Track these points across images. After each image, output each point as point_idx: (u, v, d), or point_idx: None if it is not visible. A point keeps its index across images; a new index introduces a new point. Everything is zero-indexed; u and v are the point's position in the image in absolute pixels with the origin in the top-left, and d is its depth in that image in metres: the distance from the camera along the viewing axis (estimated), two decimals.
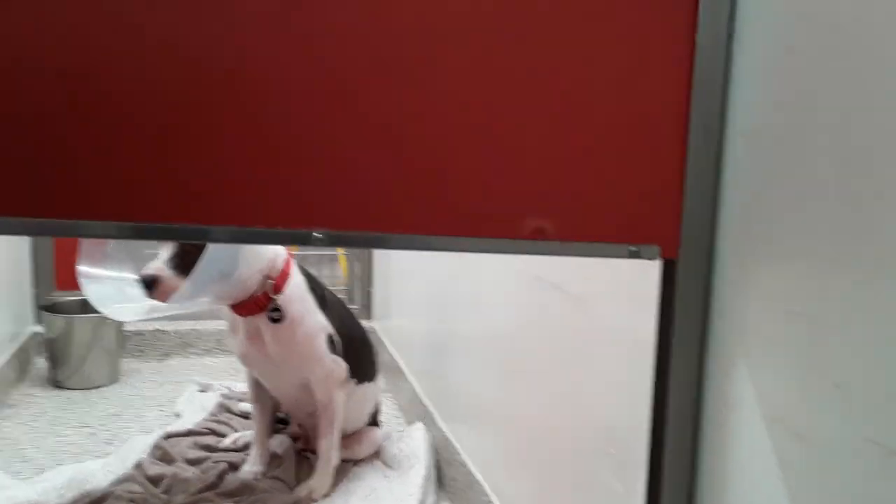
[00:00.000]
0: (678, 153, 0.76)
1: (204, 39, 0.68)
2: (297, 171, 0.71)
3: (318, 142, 0.71)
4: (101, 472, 1.82)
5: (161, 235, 0.71)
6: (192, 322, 2.91)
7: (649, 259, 0.77)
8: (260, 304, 1.68)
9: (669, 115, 0.75)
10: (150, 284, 1.56)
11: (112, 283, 1.68)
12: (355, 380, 1.89)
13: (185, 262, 1.57)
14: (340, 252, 3.76)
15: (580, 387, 1.20)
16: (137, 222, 0.69)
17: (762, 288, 0.74)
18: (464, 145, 0.73)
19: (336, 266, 3.78)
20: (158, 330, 2.86)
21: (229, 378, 2.65)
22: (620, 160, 0.75)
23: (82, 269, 1.61)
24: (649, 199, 0.77)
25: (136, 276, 1.62)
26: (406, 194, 0.74)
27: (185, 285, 1.54)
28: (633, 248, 0.76)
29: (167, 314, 1.61)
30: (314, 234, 0.73)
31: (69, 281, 2.79)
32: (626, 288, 1.05)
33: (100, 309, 1.64)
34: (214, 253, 1.51)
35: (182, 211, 0.70)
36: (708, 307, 0.81)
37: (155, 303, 1.57)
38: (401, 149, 0.73)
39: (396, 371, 2.54)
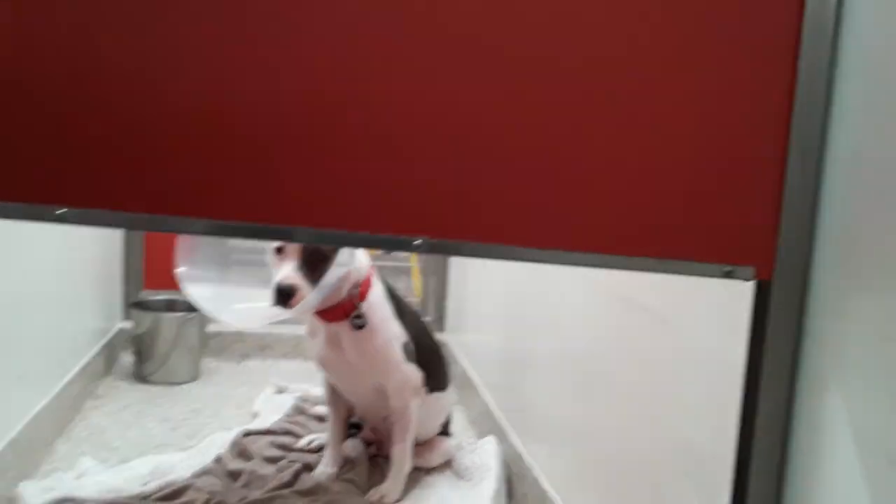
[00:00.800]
0: (777, 175, 0.77)
1: (307, 49, 0.72)
2: (401, 178, 0.75)
3: (423, 151, 0.75)
4: (183, 465, 1.89)
5: (256, 235, 0.75)
6: (271, 326, 2.99)
7: (744, 280, 0.78)
8: (345, 310, 1.73)
9: (769, 136, 0.76)
10: (290, 294, 1.60)
11: (211, 288, 1.74)
12: (427, 388, 1.92)
13: (311, 272, 1.62)
14: (414, 265, 3.81)
15: (660, 408, 1.20)
16: (226, 221, 0.73)
17: (857, 313, 0.74)
18: (565, 161, 0.75)
19: (409, 279, 3.84)
20: (238, 332, 2.95)
21: (305, 382, 2.71)
22: (718, 180, 0.76)
23: (182, 272, 1.67)
24: (746, 220, 0.77)
25: (242, 281, 1.66)
26: (505, 206, 0.76)
27: (312, 294, 1.59)
28: (727, 269, 0.77)
29: (275, 321, 1.65)
30: (416, 240, 0.76)
31: (157, 281, 2.93)
32: (713, 310, 1.05)
33: (213, 314, 1.68)
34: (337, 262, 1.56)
35: (279, 213, 0.74)
36: (801, 330, 0.81)
37: (275, 310, 1.60)
38: (500, 162, 0.76)
39: (468, 384, 2.56)
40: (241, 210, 0.73)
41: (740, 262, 0.77)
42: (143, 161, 0.71)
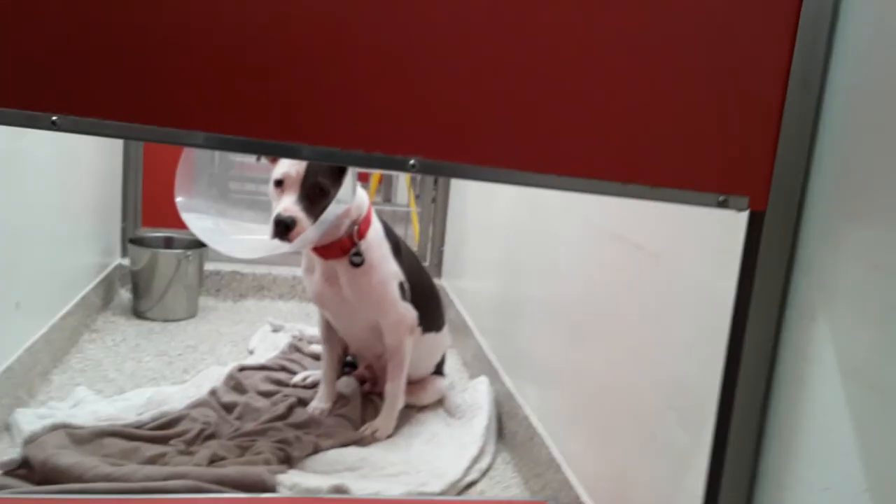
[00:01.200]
0: (775, 104, 0.76)
1: None
2: (398, 98, 0.74)
3: (420, 71, 0.74)
4: (178, 396, 1.92)
5: (248, 149, 0.75)
6: (268, 266, 3.00)
7: (738, 210, 0.78)
8: (344, 247, 1.74)
9: (769, 65, 0.76)
10: (290, 226, 1.59)
11: (210, 219, 1.74)
12: (422, 328, 1.94)
13: (311, 205, 1.62)
14: (413, 211, 3.81)
15: (649, 345, 1.22)
16: (227, 135, 0.73)
17: (848, 243, 0.74)
18: (561, 85, 0.75)
19: (409, 226, 3.84)
20: (236, 272, 2.96)
21: (301, 321, 2.73)
22: (715, 108, 0.76)
23: (181, 201, 1.67)
24: (741, 150, 0.77)
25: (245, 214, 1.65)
26: (499, 129, 0.76)
27: (312, 228, 1.59)
28: (721, 198, 0.77)
29: (273, 254, 1.65)
30: (410, 160, 0.76)
31: (155, 218, 2.92)
32: (705, 245, 1.05)
33: (210, 244, 1.68)
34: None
35: (275, 128, 0.74)
36: (792, 261, 0.81)
37: (274, 242, 1.60)
38: (497, 85, 0.75)
39: (463, 328, 2.58)
40: (237, 125, 0.73)
41: (735, 192, 0.77)
42: (143, 72, 0.71)
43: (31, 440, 1.58)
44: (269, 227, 1.61)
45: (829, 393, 0.77)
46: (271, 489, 1.52)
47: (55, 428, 1.63)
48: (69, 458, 1.52)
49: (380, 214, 1.88)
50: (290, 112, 0.72)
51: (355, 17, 0.72)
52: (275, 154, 0.73)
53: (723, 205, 0.77)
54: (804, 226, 0.80)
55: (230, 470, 1.53)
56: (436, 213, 3.14)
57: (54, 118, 0.68)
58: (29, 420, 1.70)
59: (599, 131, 0.76)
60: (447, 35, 0.73)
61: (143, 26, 0.70)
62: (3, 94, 0.68)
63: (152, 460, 1.59)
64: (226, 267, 2.96)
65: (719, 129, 0.76)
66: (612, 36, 0.74)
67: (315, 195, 1.62)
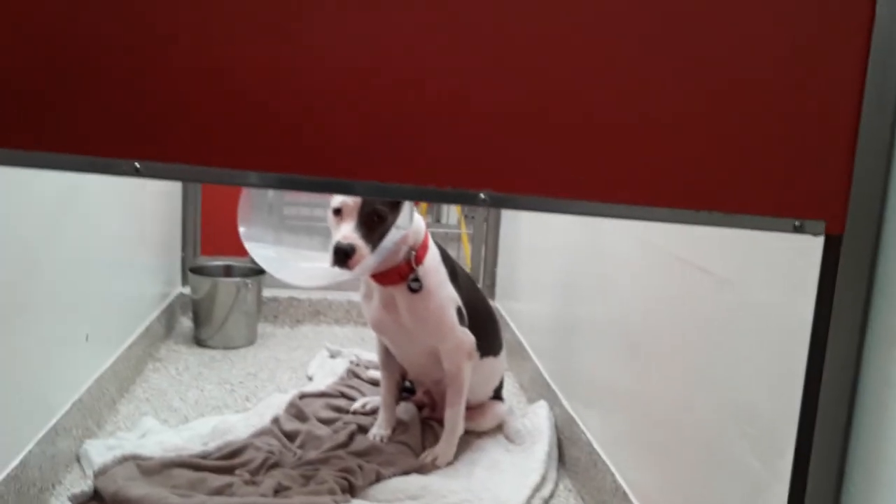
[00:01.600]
0: (850, 127, 0.75)
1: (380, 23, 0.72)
2: (468, 134, 0.75)
3: (488, 108, 0.75)
4: (241, 425, 1.94)
5: (327, 188, 0.76)
6: (324, 292, 3.04)
7: (814, 234, 0.76)
8: (402, 273, 1.75)
9: (843, 86, 0.74)
10: (349, 253, 1.61)
11: (272, 248, 1.77)
12: (480, 353, 1.94)
13: (369, 232, 1.64)
14: (464, 232, 3.82)
15: (717, 370, 1.19)
16: (285, 174, 0.74)
17: None
18: (631, 114, 0.75)
19: (460, 246, 3.85)
20: (293, 298, 3.00)
21: (357, 346, 2.75)
22: (789, 131, 0.75)
23: (244, 231, 1.71)
24: (817, 174, 0.76)
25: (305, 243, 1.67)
26: (569, 161, 0.76)
27: (372, 256, 1.60)
28: (798, 223, 0.76)
29: (334, 282, 1.67)
30: (480, 194, 0.76)
31: (213, 247, 2.99)
32: (775, 269, 1.03)
33: (273, 273, 1.71)
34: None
35: (351, 167, 0.75)
36: (872, 285, 0.79)
37: (334, 270, 1.62)
38: (567, 117, 0.75)
39: (519, 350, 2.57)
40: (306, 165, 0.74)
41: (811, 217, 0.76)
42: (212, 119, 0.73)
43: (101, 472, 1.62)
44: (328, 255, 1.62)
45: None
46: None
47: (124, 459, 1.67)
48: (139, 489, 1.55)
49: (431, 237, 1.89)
50: (362, 151, 0.74)
51: (423, 59, 0.73)
52: (349, 193, 0.74)
53: (799, 230, 0.76)
54: (883, 249, 0.78)
55: (296, 500, 1.55)
56: (488, 233, 3.14)
57: (137, 164, 0.70)
58: (99, 451, 1.74)
59: (671, 159, 0.75)
60: (516, 69, 0.74)
61: (213, 79, 0.72)
62: (86, 143, 0.70)
63: (219, 491, 1.61)
64: (283, 293, 3.00)
65: (794, 153, 0.75)
66: (683, 65, 0.74)
67: (373, 223, 1.63)
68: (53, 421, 1.63)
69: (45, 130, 0.70)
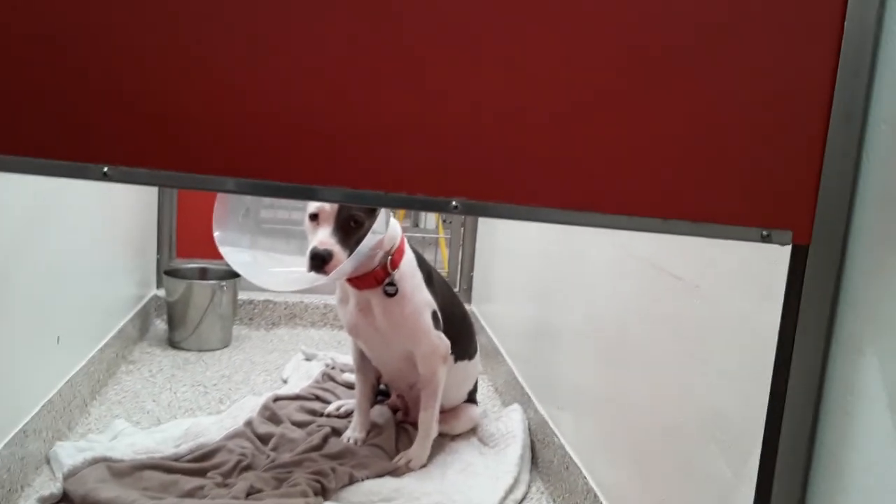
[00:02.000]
0: (818, 138, 0.76)
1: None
2: (439, 141, 0.75)
3: (459, 115, 0.75)
4: (214, 428, 1.93)
5: (292, 194, 0.76)
6: (300, 295, 3.03)
7: (781, 244, 0.78)
8: (378, 278, 1.75)
9: (811, 98, 0.75)
10: (326, 259, 1.61)
11: (247, 252, 1.76)
12: (454, 356, 1.94)
13: (346, 237, 1.63)
14: (441, 237, 3.82)
15: (688, 375, 1.21)
16: (256, 179, 0.74)
17: (895, 277, 0.74)
18: (599, 122, 0.75)
19: (437, 251, 3.85)
20: (268, 301, 2.99)
21: (332, 349, 2.75)
22: (757, 142, 0.76)
23: (218, 236, 1.70)
24: (784, 184, 0.77)
25: (287, 249, 1.67)
26: (539, 169, 0.76)
27: (348, 261, 1.60)
28: (765, 233, 0.77)
29: (310, 286, 1.67)
30: (452, 202, 0.77)
31: (188, 250, 2.96)
32: (744, 276, 1.05)
33: (249, 277, 1.70)
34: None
35: (319, 173, 0.75)
36: (837, 295, 0.80)
37: (311, 275, 1.61)
38: (537, 125, 0.76)
39: (494, 353, 2.58)
40: (278, 171, 0.74)
41: (778, 227, 0.77)
42: (182, 125, 0.72)
43: (71, 474, 1.60)
44: (305, 261, 1.62)
45: (877, 427, 0.76)
46: None
47: (95, 461, 1.65)
48: (109, 492, 1.54)
49: (408, 241, 1.89)
50: (334, 158, 0.74)
51: (394, 63, 0.74)
52: (320, 199, 0.74)
53: (766, 239, 0.77)
54: (849, 259, 0.80)
55: (268, 503, 1.54)
56: (465, 238, 3.15)
57: (105, 169, 0.70)
58: (69, 453, 1.72)
59: (640, 168, 0.76)
60: (486, 78, 0.74)
61: (183, 83, 0.72)
62: (55, 147, 0.70)
63: (191, 493, 1.60)
64: (258, 296, 2.99)
65: (761, 163, 0.76)
66: (650, 73, 0.75)
67: (350, 228, 1.63)
68: (23, 423, 1.61)
69: (12, 134, 0.70)
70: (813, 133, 0.76)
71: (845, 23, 0.75)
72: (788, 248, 0.82)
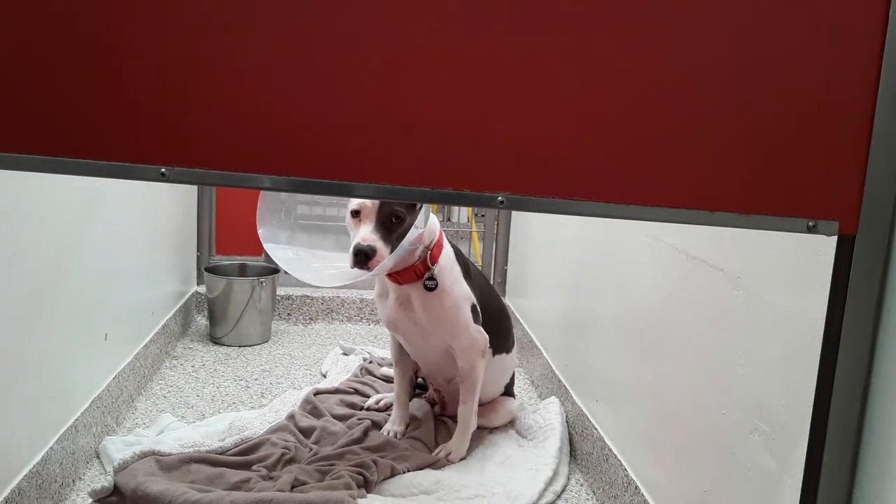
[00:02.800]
0: (863, 127, 0.76)
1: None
2: (485, 137, 0.76)
3: (506, 111, 0.76)
4: (258, 421, 1.97)
5: (342, 192, 0.77)
6: (336, 291, 3.06)
7: (827, 235, 0.78)
8: (418, 272, 1.76)
9: (856, 87, 0.75)
10: (369, 255, 1.63)
11: (290, 249, 1.79)
12: (492, 350, 1.95)
13: (387, 233, 1.66)
14: (474, 231, 3.83)
15: (730, 367, 1.21)
16: (299, 178, 0.76)
17: None
18: (645, 115, 0.76)
19: (470, 245, 3.86)
20: (306, 296, 3.03)
21: (370, 344, 2.78)
22: (802, 132, 0.76)
23: (262, 232, 1.73)
24: (830, 174, 0.77)
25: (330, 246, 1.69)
26: (585, 163, 0.77)
27: (390, 257, 1.63)
28: (811, 223, 0.77)
29: (353, 281, 1.69)
30: (498, 197, 0.78)
31: (227, 247, 3.01)
32: (787, 267, 1.04)
33: (294, 274, 1.73)
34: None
35: (367, 171, 0.77)
36: (885, 284, 0.80)
37: (354, 271, 1.64)
38: (582, 120, 0.77)
39: (530, 347, 2.58)
40: (322, 169, 0.76)
41: (824, 217, 0.77)
42: (231, 125, 0.74)
43: (121, 468, 1.64)
44: (348, 257, 1.64)
45: None
46: None
47: (143, 455, 1.69)
48: (158, 485, 1.57)
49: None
50: (379, 155, 0.75)
51: (440, 62, 0.75)
52: (368, 196, 0.76)
53: (812, 230, 0.77)
54: None
55: (313, 495, 1.57)
56: (499, 231, 3.15)
57: (163, 170, 0.72)
58: (118, 448, 1.77)
59: (684, 160, 0.76)
60: (531, 74, 0.75)
61: (230, 88, 0.74)
62: (116, 150, 0.72)
63: (237, 486, 1.63)
64: (296, 292, 3.03)
65: (807, 153, 0.76)
66: (697, 68, 0.75)
67: (391, 224, 1.65)
68: (73, 418, 1.66)
69: (73, 137, 0.72)
70: (858, 122, 0.76)
71: (890, 10, 0.75)
72: (833, 239, 0.82)
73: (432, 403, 2.15)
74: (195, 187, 2.93)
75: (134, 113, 0.71)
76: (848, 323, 0.81)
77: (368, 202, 1.64)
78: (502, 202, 0.77)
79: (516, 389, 2.23)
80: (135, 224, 2.15)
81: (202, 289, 2.90)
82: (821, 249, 0.95)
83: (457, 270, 1.84)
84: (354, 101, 0.75)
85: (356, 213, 1.67)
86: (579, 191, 0.77)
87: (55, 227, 1.56)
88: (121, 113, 0.71)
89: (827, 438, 0.85)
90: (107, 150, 0.71)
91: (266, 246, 1.72)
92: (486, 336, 1.88)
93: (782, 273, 1.06)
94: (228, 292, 2.66)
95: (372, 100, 0.75)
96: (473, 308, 1.86)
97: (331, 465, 1.73)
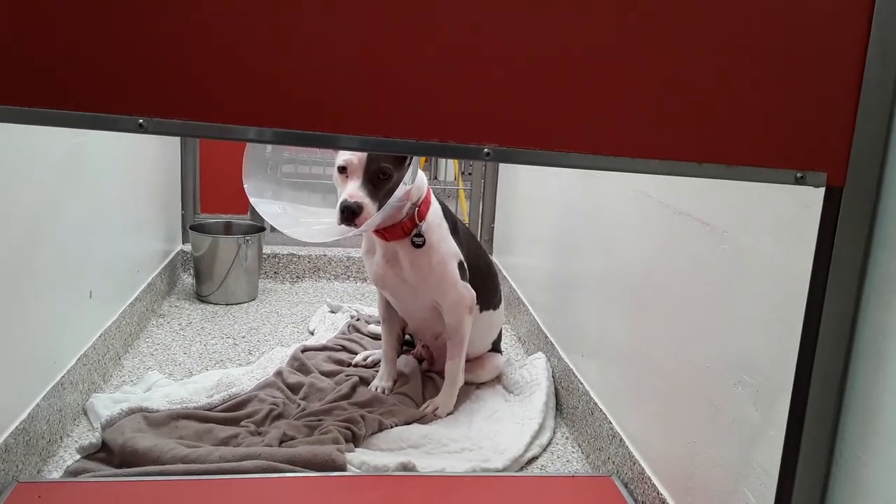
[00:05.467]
0: (853, 77, 0.75)
1: None
2: (471, 86, 0.75)
3: (491, 60, 0.75)
4: (245, 378, 1.97)
5: (322, 143, 0.76)
6: (323, 249, 3.05)
7: (816, 186, 0.77)
8: (405, 229, 1.76)
9: (847, 37, 0.74)
10: (356, 212, 1.62)
11: (277, 204, 1.77)
12: (479, 306, 1.96)
13: (374, 189, 1.64)
14: (461, 189, 3.82)
15: (715, 321, 1.21)
16: (284, 129, 0.74)
17: None
18: (630, 65, 0.75)
19: (457, 203, 3.85)
20: (292, 254, 3.02)
21: (357, 301, 2.78)
22: (791, 82, 0.75)
23: (248, 186, 1.71)
24: (819, 125, 0.76)
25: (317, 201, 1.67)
26: (572, 114, 0.76)
27: (377, 213, 1.61)
28: (799, 175, 0.76)
29: (338, 238, 1.68)
30: (484, 149, 0.77)
31: (212, 205, 2.99)
32: (773, 220, 1.04)
33: (280, 229, 1.71)
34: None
35: (350, 122, 0.75)
36: (871, 237, 0.80)
37: (341, 227, 1.63)
38: (569, 70, 0.75)
39: (517, 303, 2.59)
40: (305, 119, 0.75)
41: (813, 168, 0.76)
42: (212, 75, 0.73)
43: (108, 424, 1.65)
44: (335, 213, 1.63)
45: None
46: (341, 468, 1.56)
47: (131, 412, 1.69)
48: (146, 441, 1.58)
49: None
50: (365, 106, 0.74)
51: (424, 10, 0.73)
52: (354, 148, 0.75)
53: (801, 181, 0.77)
54: (883, 200, 0.79)
55: (301, 450, 1.58)
56: (485, 189, 3.14)
57: (140, 121, 0.71)
58: (105, 405, 1.77)
59: (672, 111, 0.76)
60: (516, 23, 0.74)
61: (211, 34, 0.72)
62: (92, 100, 0.70)
63: (225, 441, 1.64)
64: (282, 250, 3.01)
65: (796, 104, 0.76)
66: (687, 17, 0.74)
67: (378, 180, 1.64)
68: (59, 376, 1.65)
69: (50, 88, 0.70)
70: (848, 73, 0.75)
71: None
72: (820, 192, 0.82)
73: (420, 360, 2.16)
74: (178, 144, 2.89)
75: (110, 61, 0.69)
76: (833, 275, 0.81)
77: (355, 159, 1.63)
78: (489, 154, 0.76)
79: (503, 346, 2.24)
80: (117, 182, 2.13)
81: (187, 247, 2.88)
82: (809, 202, 0.94)
83: (444, 227, 1.83)
84: (338, 49, 0.73)
85: (343, 170, 1.65)
86: (567, 143, 0.76)
87: (36, 185, 1.53)
88: (96, 61, 0.69)
89: (810, 390, 0.86)
90: (82, 101, 0.69)
91: (252, 200, 1.70)
92: (474, 293, 1.88)
93: (769, 227, 1.06)
94: (214, 250, 2.64)
95: (355, 49, 0.73)
96: (461, 265, 1.85)
97: (319, 420, 1.74)
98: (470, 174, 3.29)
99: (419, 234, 1.76)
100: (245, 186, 1.69)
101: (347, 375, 2.02)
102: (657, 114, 0.75)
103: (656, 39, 0.75)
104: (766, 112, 0.75)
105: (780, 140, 0.76)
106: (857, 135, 0.76)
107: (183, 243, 2.96)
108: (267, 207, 1.72)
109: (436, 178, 4.67)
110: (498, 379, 2.12)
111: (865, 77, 0.76)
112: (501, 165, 3.07)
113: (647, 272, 1.51)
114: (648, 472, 1.44)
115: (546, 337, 2.21)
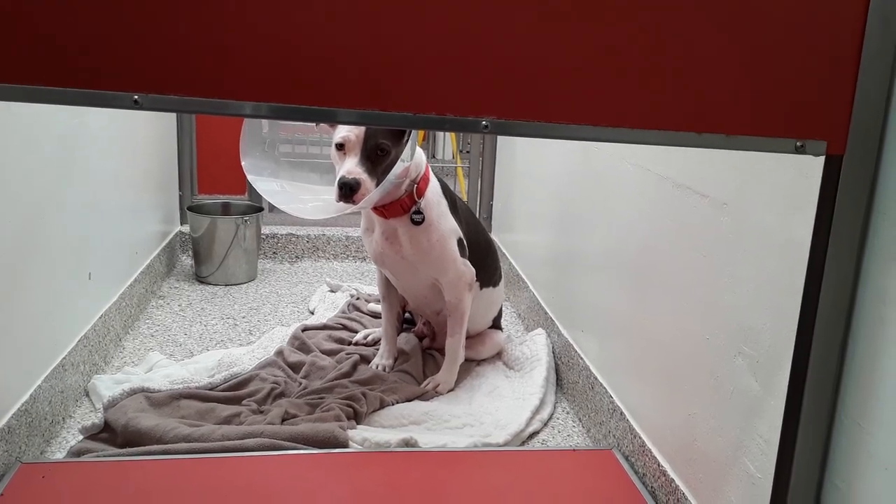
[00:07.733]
0: (853, 45, 0.74)
1: None
2: (468, 59, 0.74)
3: (488, 31, 0.74)
4: (246, 358, 1.97)
5: (318, 117, 0.76)
6: (322, 228, 3.05)
7: (815, 155, 0.77)
8: (404, 206, 1.75)
9: (847, 6, 0.74)
10: (354, 188, 1.61)
11: (275, 181, 1.77)
12: (479, 283, 1.96)
13: (373, 166, 1.64)
14: (459, 166, 3.81)
15: (716, 292, 1.21)
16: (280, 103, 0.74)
17: None
18: (630, 35, 0.74)
19: (455, 181, 3.84)
20: (291, 234, 3.01)
21: (356, 280, 2.78)
22: (791, 51, 0.74)
23: (246, 164, 1.70)
24: (819, 94, 0.76)
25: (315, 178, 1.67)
26: (571, 85, 0.76)
27: (376, 190, 1.61)
28: (799, 144, 0.76)
29: (338, 214, 1.67)
30: (482, 121, 0.76)
31: (210, 185, 2.98)
32: (773, 191, 1.04)
33: (279, 206, 1.71)
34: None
35: (346, 96, 0.75)
36: (871, 205, 0.80)
37: (339, 204, 1.62)
38: (567, 40, 0.75)
39: (516, 280, 2.59)
40: (302, 94, 0.74)
41: (812, 137, 0.76)
42: (207, 51, 0.72)
43: (111, 405, 1.65)
44: (333, 190, 1.62)
45: None
46: (343, 444, 1.57)
47: (133, 392, 1.70)
48: (149, 420, 1.59)
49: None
50: (361, 79, 0.73)
51: None
52: (351, 121, 0.74)
53: (801, 150, 0.76)
54: (883, 169, 0.79)
55: (303, 427, 1.59)
56: (484, 167, 3.13)
57: (136, 97, 0.70)
58: (107, 385, 1.77)
59: (671, 81, 0.75)
60: None
61: (207, 9, 0.71)
62: (86, 77, 0.70)
63: (227, 420, 1.65)
64: (281, 230, 3.01)
65: (795, 72, 0.75)
66: None
67: (376, 156, 1.63)
68: (61, 357, 1.66)
69: (43, 64, 0.70)
70: (848, 40, 0.75)
71: None
72: (820, 161, 0.82)
73: (421, 337, 2.17)
74: (175, 125, 2.87)
75: (104, 37, 0.69)
76: (833, 245, 0.81)
77: (353, 135, 1.62)
78: (487, 126, 0.76)
79: (503, 322, 2.25)
80: (115, 163, 2.12)
81: (186, 228, 2.87)
82: (808, 172, 0.94)
83: (444, 204, 1.83)
84: (335, 23, 0.73)
85: (341, 147, 1.65)
86: (565, 114, 0.75)
87: (35, 167, 1.53)
88: (89, 37, 0.68)
89: (811, 361, 0.86)
90: (76, 77, 0.68)
91: (250, 178, 1.69)
92: (473, 270, 1.88)
93: (768, 197, 1.05)
94: (212, 231, 2.64)
95: (352, 22, 0.73)
96: (460, 242, 1.85)
97: (320, 398, 1.75)
98: (468, 152, 3.28)
99: (418, 212, 1.75)
100: (243, 164, 1.69)
101: (348, 354, 2.02)
102: (656, 84, 0.75)
103: (655, 9, 0.74)
104: (765, 81, 0.75)
105: (780, 109, 0.75)
106: (857, 103, 0.76)
107: (181, 224, 2.96)
108: (264, 185, 1.72)
109: (434, 156, 4.66)
110: (498, 355, 2.13)
111: (865, 45, 0.75)
112: (500, 142, 3.06)
113: (647, 245, 1.50)
114: (649, 444, 1.45)
115: (546, 313, 2.21)
